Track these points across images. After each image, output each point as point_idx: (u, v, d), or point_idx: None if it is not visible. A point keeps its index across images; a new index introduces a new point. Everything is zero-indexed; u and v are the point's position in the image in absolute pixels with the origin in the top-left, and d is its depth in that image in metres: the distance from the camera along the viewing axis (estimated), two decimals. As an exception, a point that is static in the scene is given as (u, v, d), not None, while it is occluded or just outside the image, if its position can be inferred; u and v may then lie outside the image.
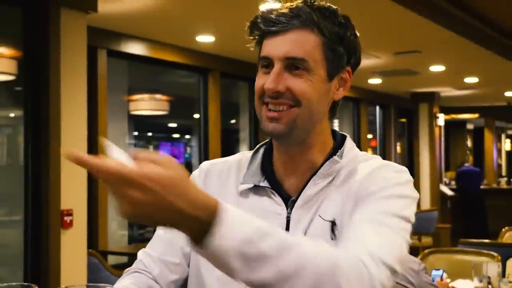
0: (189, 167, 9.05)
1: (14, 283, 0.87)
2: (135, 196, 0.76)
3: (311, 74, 1.06)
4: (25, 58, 3.58)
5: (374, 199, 1.02)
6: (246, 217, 0.84)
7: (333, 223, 1.06)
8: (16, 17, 3.54)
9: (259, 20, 1.09)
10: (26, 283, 0.87)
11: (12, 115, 4.27)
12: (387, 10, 4.42)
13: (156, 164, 0.78)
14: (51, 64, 3.44)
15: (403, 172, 1.09)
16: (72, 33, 3.54)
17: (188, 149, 9.86)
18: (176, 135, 10.87)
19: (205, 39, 5.26)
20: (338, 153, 1.12)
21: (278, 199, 1.11)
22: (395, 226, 0.99)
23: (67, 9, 3.51)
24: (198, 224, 0.80)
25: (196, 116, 6.30)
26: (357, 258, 0.90)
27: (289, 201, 1.10)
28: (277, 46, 1.06)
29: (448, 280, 2.96)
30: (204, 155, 5.98)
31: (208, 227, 0.80)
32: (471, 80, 8.21)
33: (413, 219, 1.04)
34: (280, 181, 1.13)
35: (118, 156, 0.79)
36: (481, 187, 10.69)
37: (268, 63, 1.08)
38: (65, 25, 3.49)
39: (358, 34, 1.14)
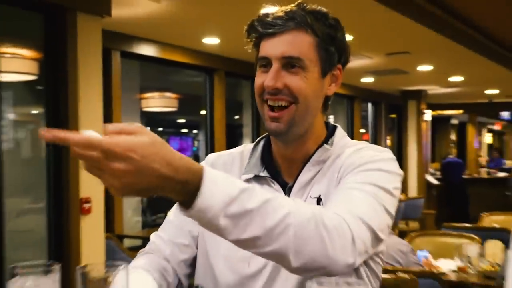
0: (197, 159, 9.05)
1: (38, 261, 0.84)
2: (118, 168, 0.72)
3: (306, 72, 1.06)
4: (45, 60, 3.58)
5: (356, 171, 1.01)
6: (229, 178, 0.81)
7: (319, 199, 1.06)
8: (38, 22, 3.55)
9: (256, 23, 1.09)
10: (49, 262, 0.84)
11: (34, 112, 4.28)
12: (379, 14, 4.40)
13: (130, 134, 0.73)
14: (69, 65, 3.44)
15: (386, 152, 1.08)
16: (88, 36, 3.54)
17: (196, 142, 9.89)
18: (184, 130, 10.87)
19: (211, 41, 5.25)
20: (329, 142, 1.12)
21: (277, 186, 1.11)
22: (375, 195, 0.96)
23: (84, 14, 3.51)
24: (182, 186, 0.76)
25: (203, 112, 6.29)
26: (338, 215, 0.89)
27: (287, 188, 1.11)
28: (274, 47, 1.06)
29: (433, 260, 2.98)
30: (210, 148, 5.98)
31: (193, 189, 0.77)
32: (456, 79, 8.19)
33: (396, 193, 1.01)
34: (278, 170, 1.14)
35: (93, 134, 0.73)
36: (464, 176, 10.67)
37: (266, 63, 1.08)
38: (82, 29, 3.49)
39: (349, 36, 1.14)
